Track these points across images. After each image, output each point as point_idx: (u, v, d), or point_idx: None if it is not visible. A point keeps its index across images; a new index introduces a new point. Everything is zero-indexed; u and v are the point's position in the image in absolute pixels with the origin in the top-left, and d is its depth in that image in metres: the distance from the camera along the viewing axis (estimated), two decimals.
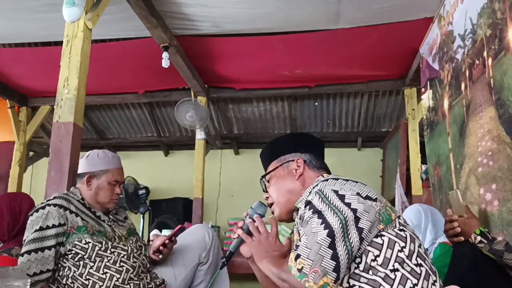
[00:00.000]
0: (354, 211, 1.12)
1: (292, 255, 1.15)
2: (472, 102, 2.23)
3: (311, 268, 1.08)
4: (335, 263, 1.07)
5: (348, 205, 1.13)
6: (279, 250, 1.31)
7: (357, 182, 1.22)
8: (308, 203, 1.18)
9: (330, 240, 1.09)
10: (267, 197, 1.45)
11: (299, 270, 1.10)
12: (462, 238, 1.69)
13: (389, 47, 3.54)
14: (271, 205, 1.44)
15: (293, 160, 1.41)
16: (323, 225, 1.11)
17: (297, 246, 1.15)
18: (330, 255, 1.08)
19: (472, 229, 1.66)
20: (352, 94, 4.80)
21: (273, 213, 1.43)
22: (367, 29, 3.19)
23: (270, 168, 1.46)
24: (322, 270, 1.08)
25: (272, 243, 1.31)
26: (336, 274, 1.08)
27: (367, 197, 1.16)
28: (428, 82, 3.17)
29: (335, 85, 4.35)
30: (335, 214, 1.11)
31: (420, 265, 1.13)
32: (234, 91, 4.49)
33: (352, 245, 1.09)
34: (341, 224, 1.10)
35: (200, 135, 4.55)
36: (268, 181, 1.45)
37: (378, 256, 1.11)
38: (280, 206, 1.40)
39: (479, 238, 1.64)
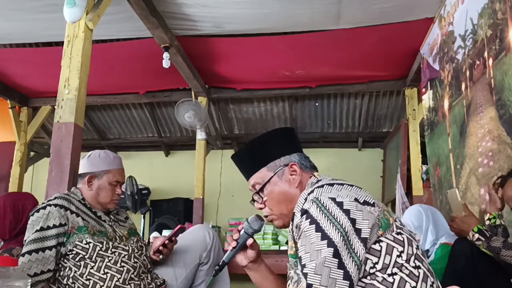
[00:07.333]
0: (353, 221, 1.08)
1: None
2: (472, 102, 2.23)
3: None
4: (348, 282, 1.05)
5: (347, 213, 1.09)
6: None
7: (352, 185, 1.18)
8: (305, 212, 1.13)
9: (337, 260, 1.05)
10: (261, 208, 1.35)
11: None
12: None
13: (390, 48, 3.54)
14: (267, 216, 1.36)
15: (286, 165, 1.32)
16: (325, 240, 1.07)
17: (305, 275, 1.08)
18: (342, 276, 1.05)
19: (470, 227, 1.70)
20: (352, 95, 4.80)
21: (271, 221, 1.36)
22: (368, 29, 3.19)
23: (262, 177, 1.34)
24: None
25: None
26: None
27: (365, 202, 1.13)
28: (429, 83, 3.17)
29: (335, 86, 4.35)
30: (334, 227, 1.08)
31: (418, 267, 1.12)
32: (234, 91, 4.50)
33: (359, 257, 1.07)
34: (342, 237, 1.07)
35: (200, 135, 4.55)
36: (261, 191, 1.34)
37: (376, 263, 1.09)
38: (284, 218, 1.33)
39: (477, 235, 1.67)
